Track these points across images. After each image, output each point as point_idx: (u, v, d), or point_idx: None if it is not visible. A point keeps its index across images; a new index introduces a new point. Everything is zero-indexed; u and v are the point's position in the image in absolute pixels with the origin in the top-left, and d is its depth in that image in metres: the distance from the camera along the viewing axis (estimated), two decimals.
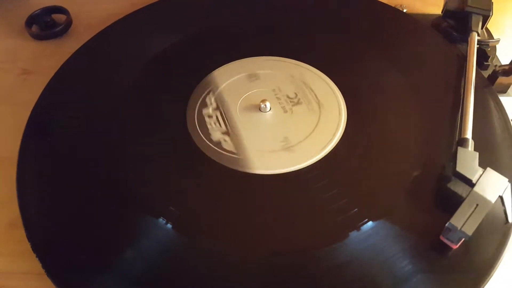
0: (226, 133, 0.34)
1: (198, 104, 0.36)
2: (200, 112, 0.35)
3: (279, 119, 0.35)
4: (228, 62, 0.39)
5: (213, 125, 0.34)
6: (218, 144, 0.33)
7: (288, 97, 0.36)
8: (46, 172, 0.33)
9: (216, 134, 0.34)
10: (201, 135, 0.34)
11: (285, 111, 0.35)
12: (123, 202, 0.30)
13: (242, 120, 0.35)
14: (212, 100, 0.36)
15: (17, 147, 0.33)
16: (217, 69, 0.38)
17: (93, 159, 0.33)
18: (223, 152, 0.33)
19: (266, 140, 0.33)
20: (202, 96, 0.36)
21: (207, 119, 0.35)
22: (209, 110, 0.35)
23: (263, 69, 0.38)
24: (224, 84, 0.37)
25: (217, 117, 0.35)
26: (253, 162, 0.32)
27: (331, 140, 0.33)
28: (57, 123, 0.35)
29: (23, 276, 0.29)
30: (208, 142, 0.33)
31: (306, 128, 0.34)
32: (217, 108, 0.36)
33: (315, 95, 0.36)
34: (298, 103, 0.36)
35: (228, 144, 0.33)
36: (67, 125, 0.35)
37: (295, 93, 0.37)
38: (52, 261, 0.28)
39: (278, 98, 0.36)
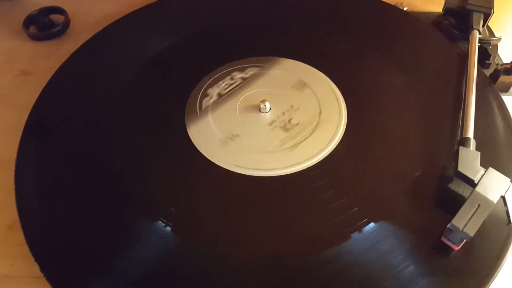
0: (226, 134, 0.34)
1: (197, 105, 0.36)
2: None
3: (279, 119, 0.35)
4: (227, 62, 0.38)
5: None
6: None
7: (287, 97, 0.36)
8: (45, 174, 0.32)
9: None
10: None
11: (284, 112, 0.35)
12: (122, 205, 0.30)
13: (241, 121, 0.34)
14: (211, 101, 0.36)
15: (15, 148, 0.33)
16: (215, 70, 0.38)
17: (92, 161, 0.33)
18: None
19: (266, 141, 0.33)
20: (201, 97, 0.36)
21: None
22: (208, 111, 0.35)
23: (262, 69, 0.38)
24: (223, 85, 0.37)
25: None
26: (253, 164, 0.32)
27: (331, 141, 0.33)
28: (56, 125, 0.35)
29: (22, 279, 0.29)
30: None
31: (306, 129, 0.34)
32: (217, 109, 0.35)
33: (315, 95, 0.36)
34: (297, 104, 0.36)
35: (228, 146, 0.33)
36: (66, 126, 0.35)
37: (295, 94, 0.36)
38: (50, 264, 0.28)
39: (278, 98, 0.36)
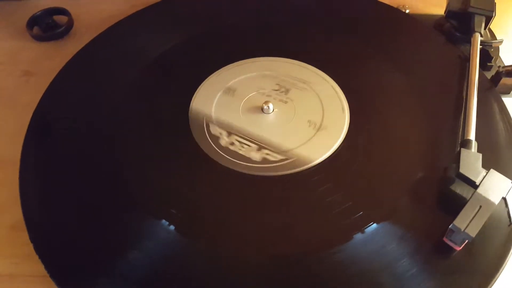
0: (229, 134, 0.34)
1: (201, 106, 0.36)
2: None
3: (282, 120, 0.35)
4: (229, 63, 0.39)
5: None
6: (221, 146, 0.33)
7: (290, 98, 0.36)
8: (48, 174, 0.33)
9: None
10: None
11: (286, 117, 0.35)
12: (126, 204, 0.30)
13: (245, 122, 0.35)
14: (215, 102, 0.36)
15: (19, 149, 0.33)
16: (218, 71, 0.38)
17: (95, 161, 0.33)
18: (226, 154, 0.33)
19: (269, 142, 0.33)
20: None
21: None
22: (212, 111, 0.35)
23: (265, 70, 0.38)
24: (226, 86, 0.37)
25: None
26: (256, 164, 0.32)
27: (334, 142, 0.33)
28: (59, 125, 0.35)
29: (26, 278, 0.29)
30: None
31: (308, 130, 0.34)
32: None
33: (318, 96, 0.36)
34: (300, 104, 0.36)
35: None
36: (69, 127, 0.35)
37: (298, 94, 0.36)
38: (55, 263, 0.28)
39: (281, 99, 0.36)
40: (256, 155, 0.32)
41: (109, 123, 0.35)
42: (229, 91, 0.37)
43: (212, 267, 0.28)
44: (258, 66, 0.38)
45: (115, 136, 0.34)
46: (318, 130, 0.34)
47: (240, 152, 0.32)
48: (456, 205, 0.28)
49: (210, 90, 0.37)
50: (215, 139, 0.33)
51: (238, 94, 0.36)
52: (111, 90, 0.37)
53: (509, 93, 0.38)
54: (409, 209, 0.30)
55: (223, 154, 0.32)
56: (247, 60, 0.39)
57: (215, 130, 0.34)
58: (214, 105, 0.36)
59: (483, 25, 0.39)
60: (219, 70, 0.38)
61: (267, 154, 0.32)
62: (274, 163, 0.32)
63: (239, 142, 0.33)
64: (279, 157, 0.32)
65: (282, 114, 0.35)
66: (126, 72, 0.38)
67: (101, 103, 0.36)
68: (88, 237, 0.29)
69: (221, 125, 0.34)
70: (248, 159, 0.32)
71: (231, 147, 0.33)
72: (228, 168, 0.32)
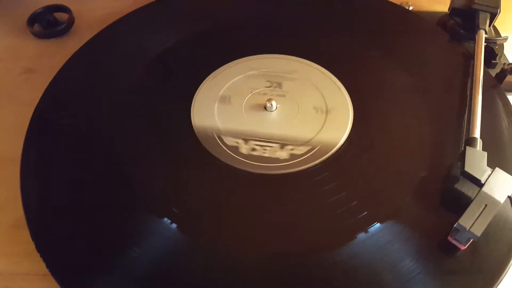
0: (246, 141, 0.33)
1: (203, 103, 0.35)
2: None
3: (285, 118, 0.35)
4: (232, 60, 0.38)
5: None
6: (243, 154, 0.33)
7: (294, 96, 0.36)
8: (50, 172, 0.32)
9: None
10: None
11: (291, 110, 0.35)
12: (127, 202, 0.30)
13: (254, 125, 0.34)
14: (215, 113, 0.36)
15: (20, 147, 0.33)
16: (221, 68, 0.38)
17: (97, 159, 0.33)
18: (228, 151, 0.32)
19: (288, 137, 0.33)
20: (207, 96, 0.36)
21: None
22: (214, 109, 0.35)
23: (268, 68, 0.38)
24: (229, 83, 0.37)
25: None
26: (259, 161, 0.32)
27: (337, 140, 0.33)
28: (60, 123, 0.35)
29: (27, 277, 0.29)
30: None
31: (312, 128, 0.34)
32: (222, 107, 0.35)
33: (322, 94, 0.36)
34: (304, 102, 0.36)
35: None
36: (70, 124, 0.35)
37: (301, 92, 0.36)
38: (56, 262, 0.28)
39: (284, 97, 0.36)
40: (282, 154, 0.32)
41: (110, 121, 0.35)
42: (224, 99, 0.36)
43: (215, 265, 0.28)
44: (261, 65, 0.38)
45: (116, 133, 0.34)
46: (327, 113, 0.34)
47: (265, 155, 0.32)
48: (461, 204, 0.27)
49: (205, 103, 0.36)
50: (234, 149, 0.33)
51: (234, 100, 0.36)
52: (113, 87, 0.37)
53: None
54: (413, 208, 0.30)
55: (249, 162, 0.32)
56: (250, 57, 0.38)
57: (230, 141, 0.33)
58: (216, 117, 0.35)
59: (488, 22, 0.39)
60: (220, 68, 0.38)
61: (292, 149, 0.32)
62: (302, 156, 0.32)
63: (260, 146, 0.32)
64: (305, 148, 0.32)
65: (286, 108, 0.35)
66: (127, 69, 0.38)
67: (102, 101, 0.36)
68: (90, 236, 0.29)
69: (234, 134, 0.33)
70: (277, 160, 0.32)
71: (254, 153, 0.32)
72: (230, 166, 0.31)
